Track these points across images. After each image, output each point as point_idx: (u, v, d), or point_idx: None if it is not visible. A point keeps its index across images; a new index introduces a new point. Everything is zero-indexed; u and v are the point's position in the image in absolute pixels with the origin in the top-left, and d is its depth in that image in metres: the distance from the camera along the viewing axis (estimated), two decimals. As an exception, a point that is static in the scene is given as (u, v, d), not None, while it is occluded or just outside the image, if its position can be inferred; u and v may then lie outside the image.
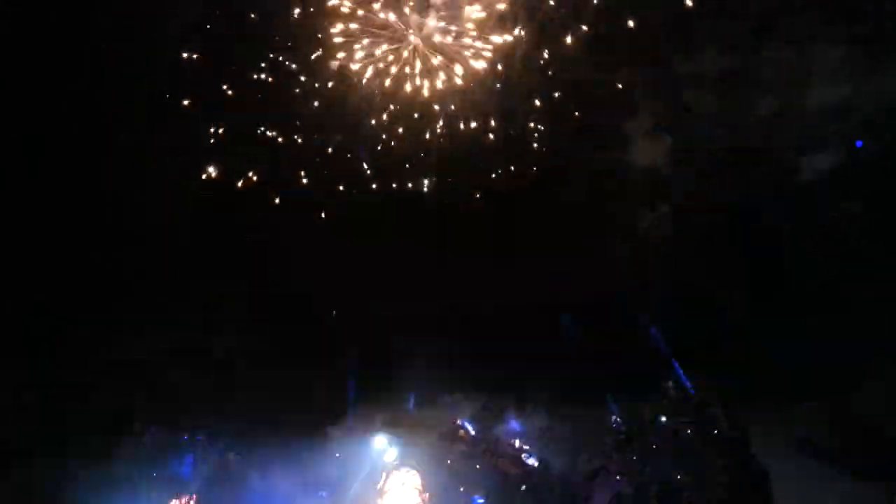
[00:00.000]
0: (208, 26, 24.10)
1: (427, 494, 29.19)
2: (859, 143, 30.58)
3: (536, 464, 29.49)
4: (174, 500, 27.84)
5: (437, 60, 23.18)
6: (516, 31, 23.57)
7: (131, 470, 27.30)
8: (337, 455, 29.22)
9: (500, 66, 24.29)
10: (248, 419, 28.41)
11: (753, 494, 26.98)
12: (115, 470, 26.94)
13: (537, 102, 25.91)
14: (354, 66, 23.39)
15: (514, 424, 30.57)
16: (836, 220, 28.34)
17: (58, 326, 26.59)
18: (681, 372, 29.19)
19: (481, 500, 28.99)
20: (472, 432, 30.16)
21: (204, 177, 25.80)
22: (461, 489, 29.18)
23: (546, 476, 29.46)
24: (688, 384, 28.92)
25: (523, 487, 29.23)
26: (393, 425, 30.06)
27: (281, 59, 24.25)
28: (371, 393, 30.32)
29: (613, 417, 30.22)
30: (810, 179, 28.90)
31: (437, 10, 22.22)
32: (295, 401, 28.78)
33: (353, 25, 22.67)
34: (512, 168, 27.74)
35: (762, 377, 27.26)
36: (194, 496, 28.09)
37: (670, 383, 29.36)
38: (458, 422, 30.37)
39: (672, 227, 30.75)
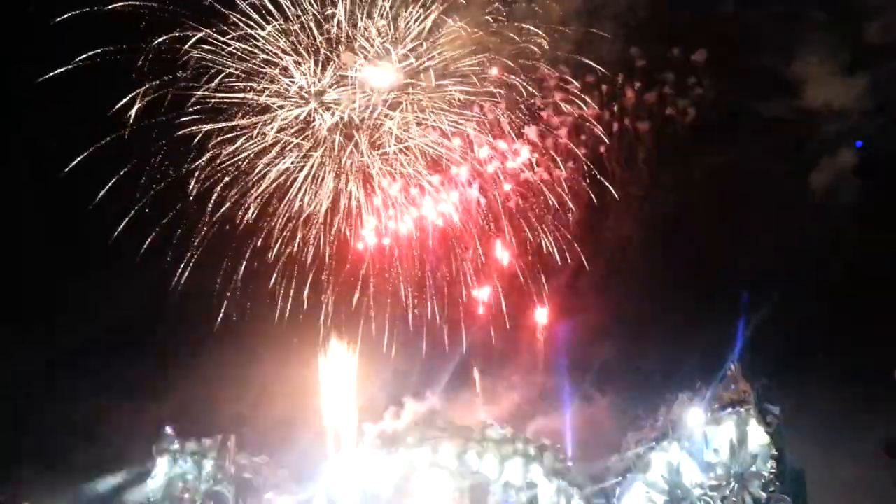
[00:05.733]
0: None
1: (458, 494, 28.69)
2: (859, 144, 30.25)
3: (570, 463, 29.17)
4: None
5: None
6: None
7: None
8: None
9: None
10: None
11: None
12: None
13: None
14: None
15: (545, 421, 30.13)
16: None
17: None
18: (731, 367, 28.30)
19: (513, 501, 28.62)
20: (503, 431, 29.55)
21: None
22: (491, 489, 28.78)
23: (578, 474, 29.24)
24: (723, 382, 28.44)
25: (555, 483, 28.95)
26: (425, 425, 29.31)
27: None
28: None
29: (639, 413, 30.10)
30: None
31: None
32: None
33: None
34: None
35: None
36: None
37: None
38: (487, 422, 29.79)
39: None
